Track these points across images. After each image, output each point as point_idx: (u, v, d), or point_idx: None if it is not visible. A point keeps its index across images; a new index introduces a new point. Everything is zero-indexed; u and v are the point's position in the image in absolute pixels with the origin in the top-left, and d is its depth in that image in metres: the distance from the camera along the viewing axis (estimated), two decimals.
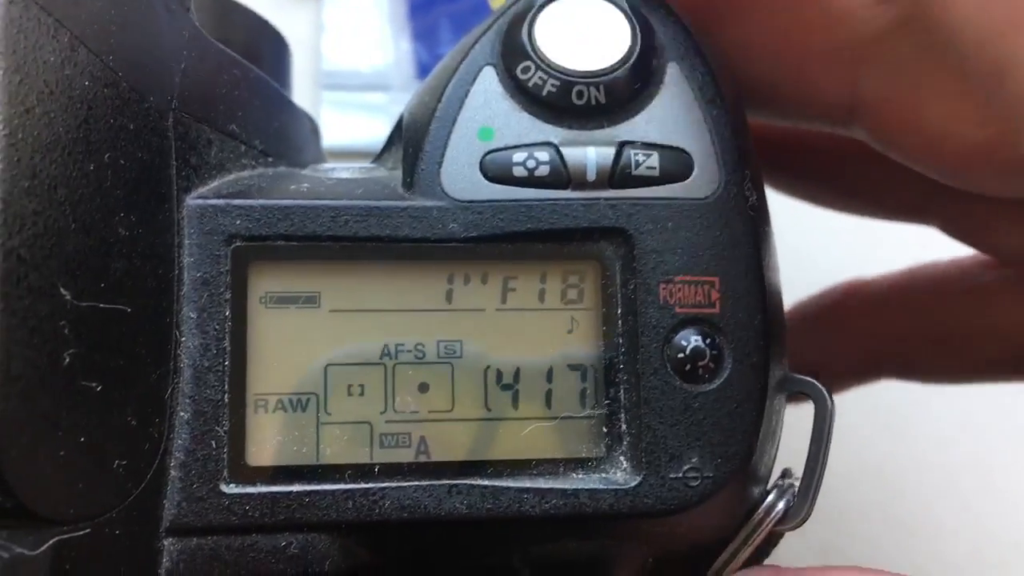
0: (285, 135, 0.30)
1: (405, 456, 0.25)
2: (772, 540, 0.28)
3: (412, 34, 0.50)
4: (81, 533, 0.21)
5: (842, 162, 0.35)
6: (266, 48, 0.33)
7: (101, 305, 0.21)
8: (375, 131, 0.49)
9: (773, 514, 0.27)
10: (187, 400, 0.24)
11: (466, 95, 0.26)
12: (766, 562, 0.29)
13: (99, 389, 0.21)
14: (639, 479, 0.25)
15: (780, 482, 0.27)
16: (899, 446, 0.50)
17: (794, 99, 0.30)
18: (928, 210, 0.36)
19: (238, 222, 0.25)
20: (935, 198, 0.34)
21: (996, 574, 0.49)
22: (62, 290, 0.20)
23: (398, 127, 0.29)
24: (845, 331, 0.40)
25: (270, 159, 0.28)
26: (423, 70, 0.50)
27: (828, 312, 0.41)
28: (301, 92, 0.37)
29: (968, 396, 0.50)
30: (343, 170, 0.28)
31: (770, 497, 0.27)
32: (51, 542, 0.20)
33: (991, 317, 0.36)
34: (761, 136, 0.30)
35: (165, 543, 0.23)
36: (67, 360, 0.20)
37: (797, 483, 0.27)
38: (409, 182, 0.26)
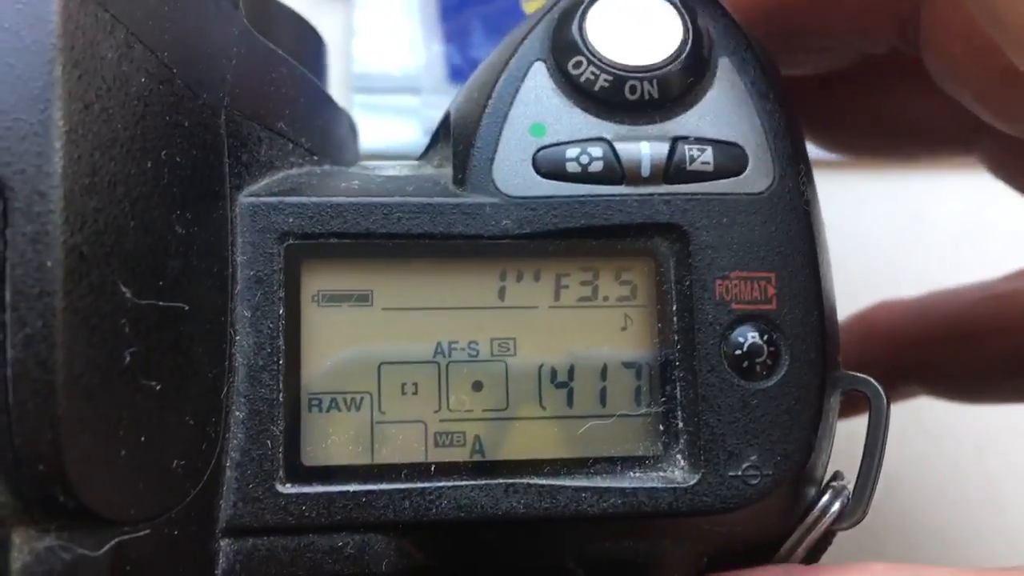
0: (329, 133, 0.30)
1: (460, 455, 0.25)
2: (827, 539, 0.28)
3: (443, 36, 0.50)
4: (141, 534, 0.21)
5: (889, 97, 0.35)
6: (307, 46, 0.33)
7: (160, 303, 0.21)
8: (406, 134, 0.49)
9: (829, 515, 0.26)
10: (242, 399, 0.24)
11: (517, 91, 0.26)
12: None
13: (158, 388, 0.21)
14: (698, 477, 0.25)
15: (834, 483, 0.27)
16: (937, 451, 0.49)
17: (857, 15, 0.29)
18: (974, 143, 0.35)
19: (291, 220, 0.24)
20: (982, 132, 0.34)
21: None
22: (123, 288, 0.20)
23: (444, 125, 0.29)
24: (873, 342, 0.40)
25: (315, 157, 0.28)
26: (454, 73, 0.50)
27: (856, 324, 0.41)
28: (332, 94, 0.36)
29: (1003, 407, 0.49)
30: (390, 168, 0.28)
31: (825, 497, 0.26)
32: (112, 543, 0.20)
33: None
34: (799, 85, 0.29)
35: (222, 543, 0.23)
36: (128, 359, 0.20)
37: (850, 485, 0.27)
38: (460, 179, 0.26)
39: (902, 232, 0.51)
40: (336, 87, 0.50)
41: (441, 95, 0.49)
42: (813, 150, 0.50)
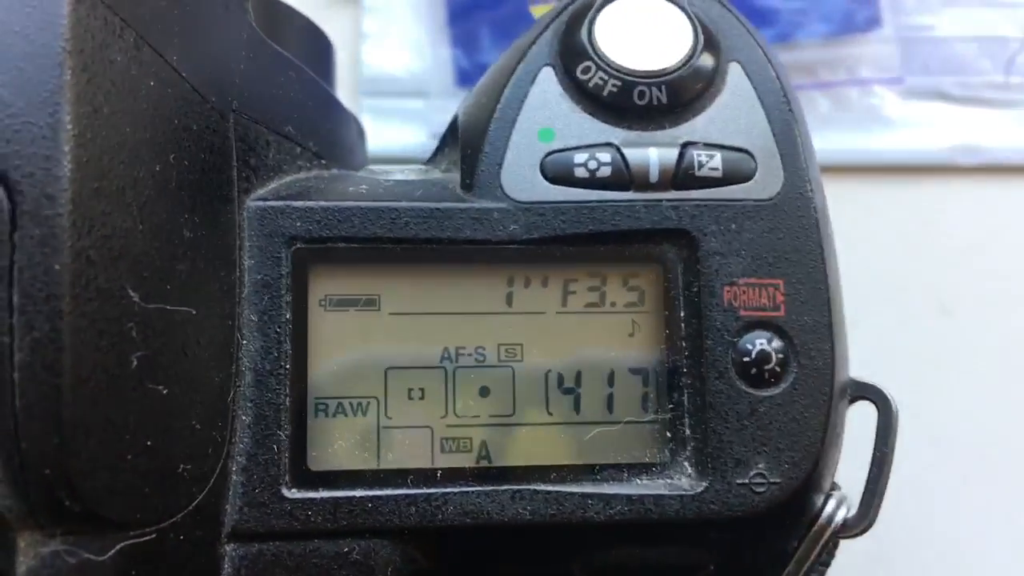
0: (336, 137, 0.30)
1: (467, 461, 0.25)
2: (833, 546, 0.28)
3: (451, 40, 0.50)
4: (146, 538, 0.21)
5: None
6: (316, 50, 0.33)
7: (168, 307, 0.21)
8: (413, 137, 0.49)
9: (835, 523, 0.26)
10: (249, 404, 0.24)
11: (525, 96, 0.26)
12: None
13: (165, 392, 0.21)
14: (705, 485, 0.24)
15: (835, 492, 0.27)
16: (943, 458, 0.49)
17: None
18: None
19: (298, 224, 0.24)
20: None
21: None
22: (130, 292, 0.20)
23: (452, 129, 0.29)
24: None
25: (323, 161, 0.28)
26: (462, 76, 0.50)
27: None
28: (340, 98, 0.36)
29: (1013, 406, 0.49)
30: (398, 172, 0.28)
31: (830, 505, 0.26)
32: (117, 547, 0.20)
33: None
34: None
35: (227, 548, 0.23)
36: (135, 363, 0.20)
37: (850, 494, 0.27)
38: (468, 183, 0.26)
39: (912, 239, 0.51)
40: (345, 90, 0.50)
41: (449, 99, 0.49)
42: (822, 157, 0.50)
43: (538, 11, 0.50)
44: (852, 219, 0.50)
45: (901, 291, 0.50)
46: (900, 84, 0.50)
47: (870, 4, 0.50)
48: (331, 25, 0.37)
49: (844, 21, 0.50)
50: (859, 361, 0.49)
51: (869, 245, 0.50)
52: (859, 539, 0.50)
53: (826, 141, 0.50)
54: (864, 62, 0.50)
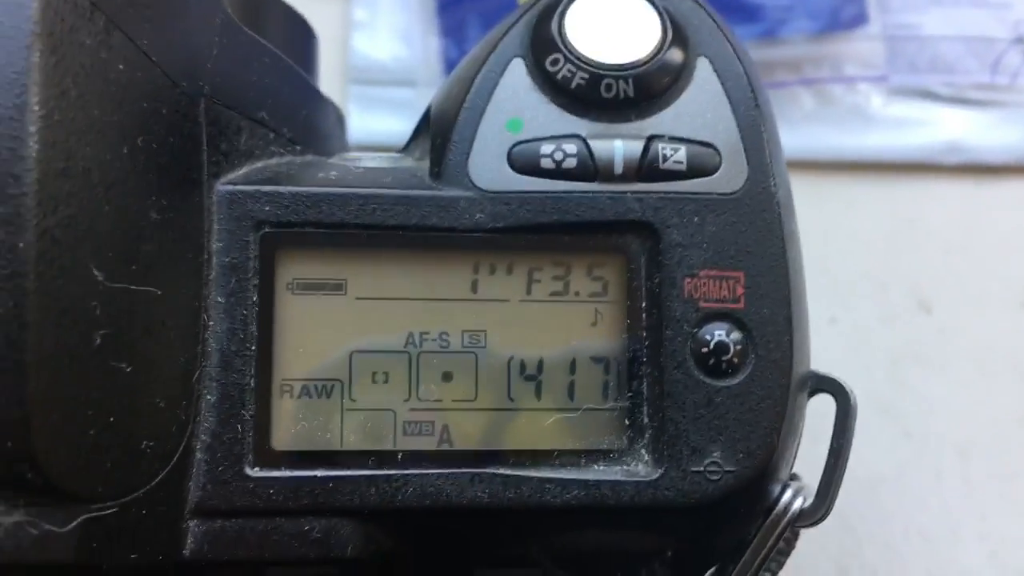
0: (312, 124, 0.30)
1: (428, 444, 0.25)
2: (792, 537, 0.28)
3: (440, 30, 0.50)
4: (108, 512, 0.21)
5: None
6: (294, 37, 0.33)
7: (132, 287, 0.22)
8: (401, 127, 0.49)
9: (790, 512, 0.27)
10: (214, 384, 0.24)
11: (495, 86, 0.27)
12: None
13: (129, 370, 0.22)
14: (660, 472, 0.25)
15: (792, 482, 0.27)
16: (918, 454, 0.50)
17: None
18: None
19: (267, 208, 0.25)
20: None
21: None
22: (95, 271, 0.21)
23: (425, 118, 0.29)
24: None
25: (298, 147, 0.28)
26: (451, 66, 0.50)
27: None
28: (327, 87, 0.37)
29: (989, 404, 0.50)
30: (370, 159, 0.28)
31: (787, 494, 0.27)
32: (79, 519, 0.21)
33: None
34: None
35: (190, 524, 0.24)
36: (98, 341, 0.21)
37: (806, 484, 0.27)
38: (437, 172, 0.26)
39: (893, 237, 0.51)
40: (333, 79, 0.50)
41: (437, 88, 0.49)
42: (805, 153, 0.50)
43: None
44: (834, 216, 0.51)
45: (881, 288, 0.51)
46: (885, 82, 0.51)
47: (857, 1, 0.50)
48: (321, 14, 0.37)
49: (830, 18, 0.50)
50: (838, 357, 0.49)
51: (850, 242, 0.51)
52: (834, 534, 0.50)
53: (810, 138, 0.50)
54: (850, 59, 0.51)
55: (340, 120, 0.35)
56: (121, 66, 0.22)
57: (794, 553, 0.29)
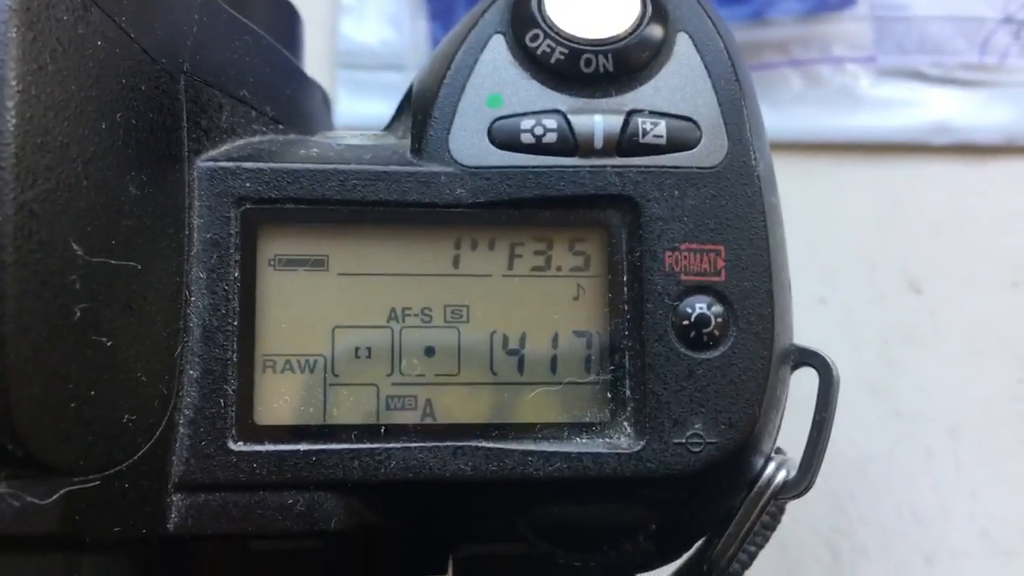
0: (296, 103, 0.30)
1: (411, 418, 0.25)
2: (777, 511, 0.28)
3: (428, 14, 0.50)
4: (91, 485, 0.21)
5: None
6: (278, 18, 0.33)
7: (112, 261, 0.22)
8: (391, 111, 0.50)
9: (773, 485, 0.27)
10: (196, 359, 0.24)
11: (475, 63, 0.27)
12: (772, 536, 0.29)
13: (109, 344, 0.22)
14: (642, 444, 0.25)
15: (776, 455, 0.27)
16: (908, 433, 0.50)
17: None
18: None
19: (248, 184, 0.25)
20: None
21: (1003, 561, 0.49)
22: (74, 245, 0.21)
23: (408, 96, 0.29)
24: None
25: (281, 126, 0.28)
26: None
27: None
28: (316, 70, 0.37)
29: (979, 384, 0.50)
30: (352, 137, 0.28)
31: (770, 467, 0.27)
32: (61, 492, 0.21)
33: None
34: None
35: (174, 498, 0.24)
36: (78, 314, 0.21)
37: (790, 458, 0.27)
38: (417, 148, 0.26)
39: (882, 217, 0.51)
40: (321, 63, 0.50)
41: None
42: (793, 134, 0.50)
43: None
44: (823, 196, 0.51)
45: (871, 268, 0.51)
46: (873, 63, 0.51)
47: None
48: None
49: None
50: (828, 337, 0.50)
51: (839, 222, 0.51)
52: (825, 513, 0.50)
53: (798, 119, 0.50)
54: (838, 40, 0.51)
55: (326, 101, 0.35)
56: (99, 42, 0.22)
57: (785, 533, 0.29)
